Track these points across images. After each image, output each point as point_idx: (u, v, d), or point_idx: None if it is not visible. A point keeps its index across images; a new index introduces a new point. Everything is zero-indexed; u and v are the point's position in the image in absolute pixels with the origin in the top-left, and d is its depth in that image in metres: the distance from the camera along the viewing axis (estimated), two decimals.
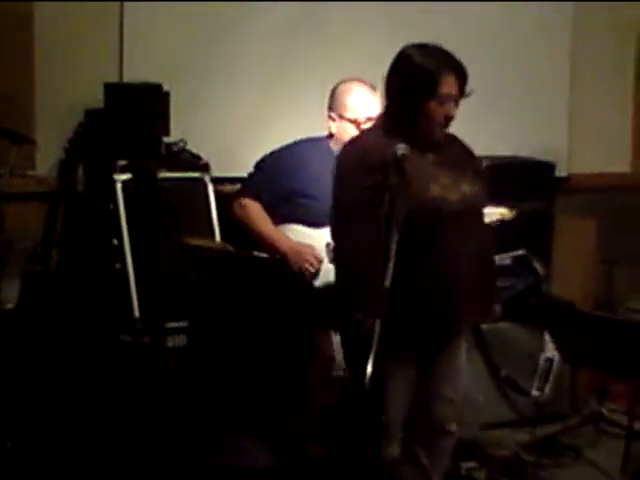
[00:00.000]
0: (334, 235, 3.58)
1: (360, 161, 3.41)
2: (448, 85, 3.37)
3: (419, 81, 3.36)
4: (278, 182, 4.28)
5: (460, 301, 3.52)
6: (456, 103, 3.42)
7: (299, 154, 4.28)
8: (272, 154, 4.38)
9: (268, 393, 4.11)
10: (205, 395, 4.00)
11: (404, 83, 3.41)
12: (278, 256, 4.16)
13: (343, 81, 4.29)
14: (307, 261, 4.15)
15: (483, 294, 3.67)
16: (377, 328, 2.93)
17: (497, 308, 4.12)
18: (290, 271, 3.78)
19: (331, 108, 4.29)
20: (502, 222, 4.43)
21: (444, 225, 3.39)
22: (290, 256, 4.19)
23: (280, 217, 4.29)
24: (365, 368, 2.87)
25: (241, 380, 4.07)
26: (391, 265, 2.99)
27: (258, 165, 4.39)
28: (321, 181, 3.91)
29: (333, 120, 4.27)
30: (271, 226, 4.27)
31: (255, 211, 4.29)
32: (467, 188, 3.46)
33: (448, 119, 3.42)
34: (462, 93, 3.41)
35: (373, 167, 3.29)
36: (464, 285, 3.51)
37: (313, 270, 4.11)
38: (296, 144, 4.37)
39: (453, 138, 3.58)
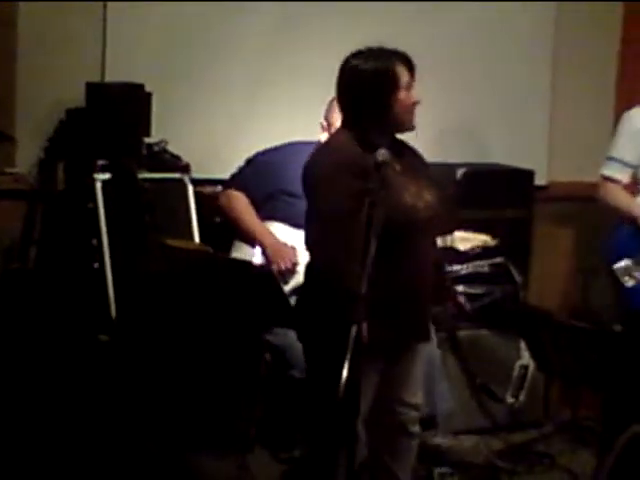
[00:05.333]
0: (309, 238, 3.57)
1: (335, 167, 3.43)
2: (403, 73, 3.46)
3: (380, 82, 3.42)
4: (267, 178, 4.31)
5: (426, 305, 3.60)
6: (414, 88, 3.50)
7: (290, 154, 4.28)
8: (265, 151, 4.42)
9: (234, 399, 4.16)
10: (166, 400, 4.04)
11: (365, 91, 3.44)
12: (260, 250, 4.19)
13: None
14: (285, 261, 4.17)
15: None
16: (353, 334, 2.95)
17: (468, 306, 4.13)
18: (266, 275, 3.78)
19: (326, 117, 4.29)
20: (484, 249, 4.46)
21: (413, 232, 3.44)
22: (271, 252, 4.21)
23: (264, 214, 4.31)
24: (338, 373, 2.89)
25: (206, 382, 4.11)
26: (368, 272, 3.01)
27: (249, 160, 4.42)
28: None
29: (323, 130, 4.27)
30: (256, 219, 4.30)
31: (241, 203, 4.32)
32: (429, 195, 3.51)
33: (415, 104, 3.49)
34: (414, 79, 3.50)
35: (349, 173, 3.32)
36: (429, 289, 3.57)
37: (288, 271, 4.13)
38: (289, 144, 4.41)
39: (408, 146, 3.62)
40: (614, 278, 4.34)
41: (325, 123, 4.27)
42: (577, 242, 5.61)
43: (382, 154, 3.20)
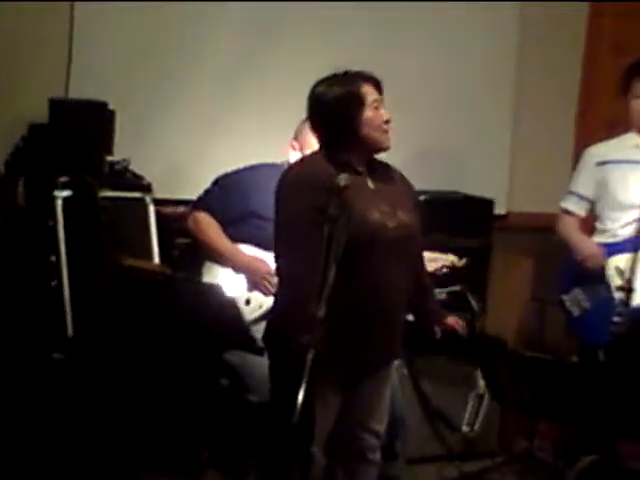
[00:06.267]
0: (276, 258, 3.59)
1: (302, 187, 3.45)
2: (370, 92, 3.50)
3: (347, 104, 3.46)
4: (235, 199, 4.27)
5: (394, 328, 3.58)
6: (383, 106, 3.52)
7: (258, 175, 4.26)
8: (232, 172, 4.37)
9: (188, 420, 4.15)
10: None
11: (333, 116, 3.48)
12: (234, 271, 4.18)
13: None
14: (264, 278, 4.16)
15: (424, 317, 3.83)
16: (310, 357, 2.96)
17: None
18: (226, 298, 3.77)
19: (296, 138, 4.29)
20: (451, 269, 4.48)
21: (381, 252, 3.44)
22: (247, 271, 4.20)
23: (232, 236, 4.28)
24: (293, 396, 2.89)
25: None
26: (326, 294, 3.02)
27: (217, 181, 4.38)
28: None
29: (294, 149, 4.27)
30: (226, 240, 4.26)
31: (210, 225, 4.27)
32: (404, 216, 3.53)
33: (387, 122, 3.51)
34: (382, 97, 3.53)
35: (315, 194, 3.34)
36: (399, 313, 3.57)
37: (269, 286, 4.12)
38: (257, 166, 4.37)
39: (390, 167, 3.65)
40: (564, 308, 4.40)
41: (296, 144, 4.27)
42: (534, 272, 5.65)
43: (343, 178, 3.24)
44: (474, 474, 4.73)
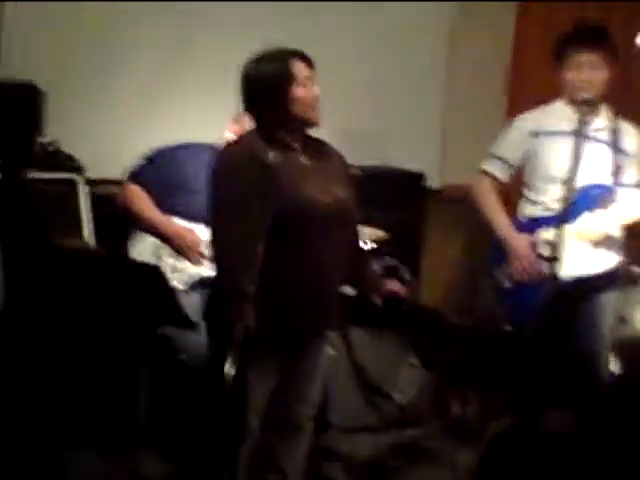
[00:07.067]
0: (210, 236, 3.64)
1: (234, 165, 3.49)
2: (300, 68, 3.51)
3: (275, 79, 3.48)
4: (165, 173, 4.33)
5: (329, 302, 3.63)
6: (314, 83, 3.54)
7: (189, 152, 4.35)
8: (163, 148, 4.43)
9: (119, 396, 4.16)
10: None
11: (262, 90, 3.52)
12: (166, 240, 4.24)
13: None
14: (193, 248, 4.21)
15: (364, 288, 3.86)
16: (240, 330, 3.02)
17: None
18: (161, 277, 3.82)
19: (235, 121, 4.33)
20: (376, 243, 4.54)
21: (315, 227, 3.49)
22: (176, 241, 4.26)
23: (163, 209, 4.34)
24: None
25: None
26: (256, 269, 3.08)
27: (148, 156, 4.43)
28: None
29: (232, 132, 4.30)
30: (157, 211, 4.31)
31: (140, 197, 4.33)
32: (339, 191, 3.58)
33: (316, 99, 3.54)
34: (314, 74, 3.55)
35: (245, 172, 3.38)
36: (334, 287, 3.63)
37: (198, 256, 4.18)
38: (188, 144, 4.43)
39: (325, 144, 3.69)
40: (494, 280, 4.42)
41: (234, 127, 4.31)
42: (468, 244, 5.71)
43: (273, 155, 3.28)
44: (409, 442, 4.80)
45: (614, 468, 1.91)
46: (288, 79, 3.50)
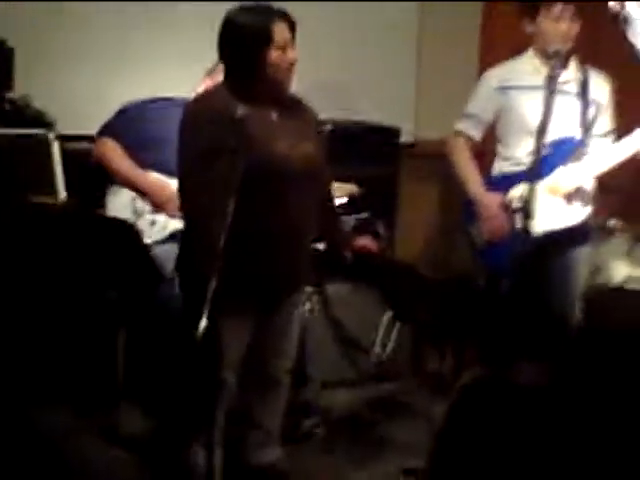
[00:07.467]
0: (178, 190, 3.62)
1: (203, 118, 3.47)
2: (281, 31, 3.48)
3: (254, 36, 3.45)
4: (138, 126, 4.34)
5: (301, 257, 3.64)
6: (293, 47, 3.52)
7: (161, 105, 4.37)
8: (135, 101, 4.43)
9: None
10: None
11: (240, 44, 3.49)
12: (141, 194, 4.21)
13: None
14: (168, 200, 4.20)
15: (334, 243, 3.91)
16: (212, 285, 3.00)
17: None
18: (132, 233, 3.81)
19: (209, 75, 4.30)
20: (350, 197, 4.53)
21: (285, 182, 3.48)
22: (151, 194, 4.25)
23: (137, 162, 4.33)
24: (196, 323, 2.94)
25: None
26: (227, 223, 3.06)
27: (120, 110, 4.43)
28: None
29: (207, 75, 4.28)
30: (132, 165, 4.32)
31: (115, 150, 4.34)
32: (309, 147, 3.57)
33: (292, 64, 3.52)
34: (294, 37, 3.53)
35: (214, 125, 3.36)
36: (305, 242, 3.63)
37: (173, 208, 4.17)
38: (161, 98, 4.44)
39: (297, 100, 3.67)
40: (469, 237, 4.43)
41: (209, 81, 4.28)
42: (443, 199, 5.72)
43: (241, 109, 3.26)
44: (387, 396, 4.82)
45: (583, 418, 1.91)
46: (267, 41, 3.46)
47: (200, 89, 4.25)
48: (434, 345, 5.02)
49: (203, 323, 2.94)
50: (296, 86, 3.65)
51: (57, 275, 3.88)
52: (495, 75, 4.41)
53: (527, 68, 4.32)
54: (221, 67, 4.08)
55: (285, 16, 3.51)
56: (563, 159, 4.22)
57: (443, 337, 4.76)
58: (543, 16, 4.21)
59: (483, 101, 4.40)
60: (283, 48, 3.47)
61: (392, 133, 5.39)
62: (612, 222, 5.18)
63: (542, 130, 3.75)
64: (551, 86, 3.87)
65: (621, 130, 4.32)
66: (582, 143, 4.25)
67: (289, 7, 3.58)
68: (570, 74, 4.24)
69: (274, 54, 3.46)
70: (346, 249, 3.92)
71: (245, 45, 3.47)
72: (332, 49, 5.38)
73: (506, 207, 4.27)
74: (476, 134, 4.44)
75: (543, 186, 4.02)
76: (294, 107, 3.65)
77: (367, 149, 5.22)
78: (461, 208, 4.56)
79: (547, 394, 1.96)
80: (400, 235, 5.44)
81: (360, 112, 5.46)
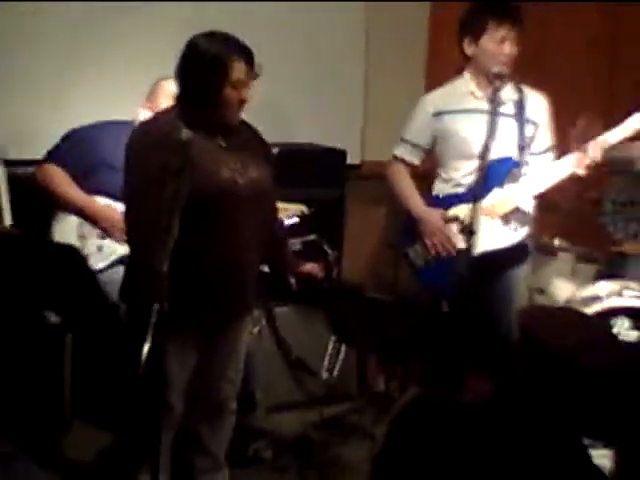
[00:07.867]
0: (124, 215, 3.62)
1: (148, 142, 3.48)
2: (239, 70, 3.47)
3: (211, 69, 3.45)
4: (84, 151, 4.32)
5: (247, 282, 3.65)
6: (248, 86, 3.52)
7: (107, 130, 4.34)
8: (80, 127, 4.42)
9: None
10: None
11: (196, 72, 3.49)
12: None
13: (164, 78, 4.26)
14: (115, 225, 4.20)
15: (279, 269, 3.91)
16: (154, 311, 3.00)
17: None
18: (77, 258, 3.79)
19: (149, 99, 4.33)
20: (300, 217, 4.55)
21: (231, 207, 3.50)
22: (99, 219, 4.25)
23: (84, 188, 4.32)
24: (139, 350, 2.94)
25: None
26: (169, 248, 3.07)
27: (65, 136, 4.41)
28: None
29: (146, 110, 4.28)
30: (77, 190, 4.30)
31: (61, 176, 4.32)
32: (255, 172, 3.58)
33: (242, 103, 3.53)
34: (253, 75, 3.53)
35: (159, 149, 3.36)
36: (251, 266, 3.64)
37: (121, 233, 4.16)
38: (106, 122, 4.43)
39: (244, 123, 3.69)
40: (408, 260, 4.46)
41: (148, 105, 4.29)
42: (390, 220, 5.74)
43: (185, 133, 3.26)
44: (335, 417, 4.83)
45: (518, 434, 1.94)
46: (223, 77, 3.45)
47: (140, 112, 4.27)
48: (380, 366, 5.03)
49: (146, 348, 2.94)
50: (245, 110, 3.66)
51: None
52: (431, 100, 4.44)
53: (463, 91, 4.36)
54: (160, 91, 4.12)
55: (245, 54, 3.49)
56: (500, 180, 4.26)
57: (389, 358, 4.77)
58: (488, 37, 4.24)
59: (419, 127, 4.44)
60: (237, 87, 3.48)
61: (338, 155, 5.43)
62: (556, 242, 5.24)
63: (485, 151, 3.81)
64: (494, 108, 3.92)
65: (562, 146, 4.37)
66: (519, 164, 4.30)
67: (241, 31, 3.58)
68: (505, 95, 4.27)
69: (227, 91, 3.47)
70: (291, 275, 3.94)
71: (201, 75, 3.47)
72: (279, 71, 5.39)
73: (447, 221, 4.32)
74: (413, 159, 4.48)
75: (481, 208, 4.05)
76: (242, 132, 3.66)
77: (313, 171, 5.25)
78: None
79: (484, 411, 2.00)
80: (347, 255, 5.47)
81: (306, 134, 5.50)
